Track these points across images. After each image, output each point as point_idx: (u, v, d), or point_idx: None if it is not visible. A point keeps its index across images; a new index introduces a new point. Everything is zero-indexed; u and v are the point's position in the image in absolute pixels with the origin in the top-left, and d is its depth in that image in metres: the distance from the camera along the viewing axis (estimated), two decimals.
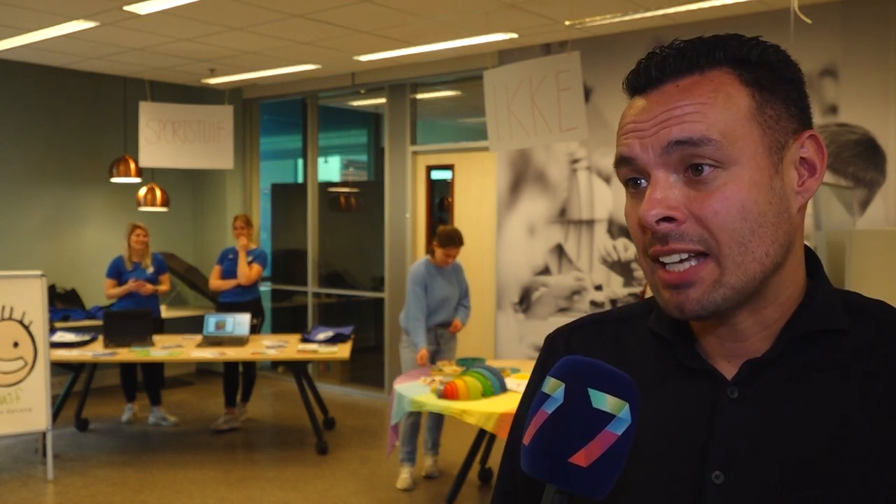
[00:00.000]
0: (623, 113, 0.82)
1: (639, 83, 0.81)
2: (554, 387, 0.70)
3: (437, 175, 7.23)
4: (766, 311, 0.80)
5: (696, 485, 0.78)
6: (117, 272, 6.26)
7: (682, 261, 0.77)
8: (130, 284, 6.15)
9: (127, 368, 6.34)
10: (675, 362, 0.85)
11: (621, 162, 0.81)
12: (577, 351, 0.91)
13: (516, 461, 0.74)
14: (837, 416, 0.76)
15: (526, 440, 0.70)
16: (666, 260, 0.77)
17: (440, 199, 7.34)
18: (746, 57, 0.78)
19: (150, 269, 6.32)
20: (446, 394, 4.04)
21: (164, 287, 6.44)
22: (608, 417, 0.67)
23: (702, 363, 0.83)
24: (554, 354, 0.92)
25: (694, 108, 0.76)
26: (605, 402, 0.68)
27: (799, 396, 0.78)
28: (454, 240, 4.91)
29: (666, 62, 0.79)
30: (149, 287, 6.22)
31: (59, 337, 5.83)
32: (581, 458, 0.66)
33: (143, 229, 6.27)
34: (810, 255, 0.85)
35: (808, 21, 4.03)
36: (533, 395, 0.73)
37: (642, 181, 0.79)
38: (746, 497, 0.76)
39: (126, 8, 5.02)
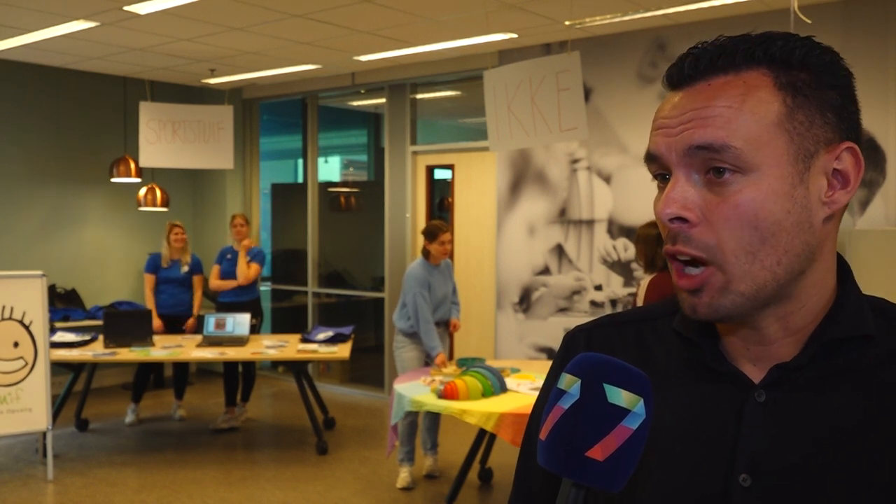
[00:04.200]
0: (659, 106, 0.82)
1: (674, 79, 0.81)
2: (570, 383, 0.71)
3: (437, 175, 7.24)
4: (792, 318, 0.80)
5: (723, 487, 0.79)
6: (155, 267, 6.43)
7: (693, 266, 0.78)
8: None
9: (143, 369, 6.37)
10: (700, 364, 0.85)
11: (649, 158, 0.81)
12: (597, 349, 0.92)
13: (533, 457, 0.74)
14: (865, 422, 0.77)
15: (542, 435, 0.71)
16: (680, 259, 0.79)
17: (440, 199, 7.34)
18: (787, 58, 0.76)
19: (185, 269, 6.45)
20: (446, 394, 4.04)
21: (197, 293, 6.61)
22: (623, 412, 0.68)
23: (728, 366, 0.83)
24: (573, 351, 0.92)
25: (719, 112, 0.75)
26: (620, 397, 0.68)
27: (826, 402, 0.78)
28: (440, 227, 4.96)
29: (702, 59, 0.78)
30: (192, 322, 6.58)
31: (59, 337, 5.83)
32: (597, 452, 0.67)
33: (180, 227, 6.41)
34: (840, 262, 0.85)
35: (808, 21, 4.03)
36: (549, 393, 0.74)
37: (669, 175, 0.80)
38: (774, 500, 0.77)
39: (126, 8, 5.02)
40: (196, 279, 6.57)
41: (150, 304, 6.39)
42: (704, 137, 0.75)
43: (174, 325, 6.43)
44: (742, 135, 0.75)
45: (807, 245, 0.77)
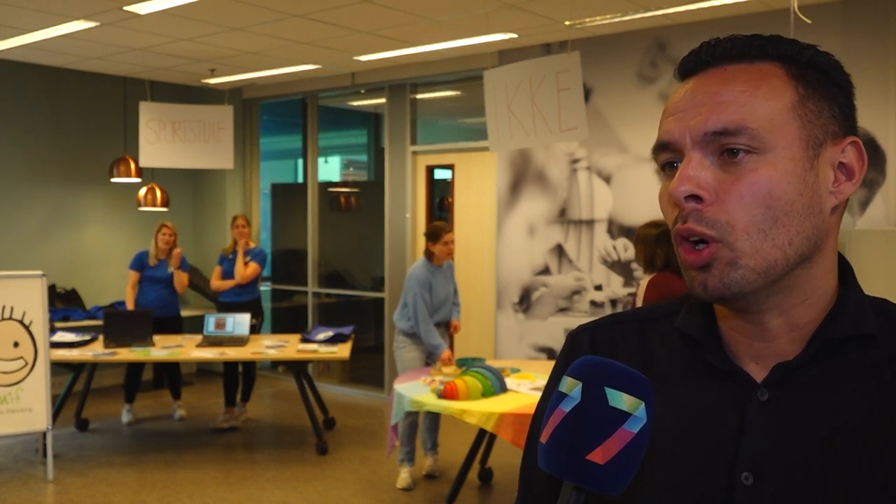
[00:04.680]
0: (670, 96, 0.83)
1: (689, 66, 0.83)
2: (571, 386, 0.71)
3: (437, 175, 7.24)
4: (795, 311, 0.80)
5: (725, 486, 0.79)
6: (140, 265, 6.35)
7: (700, 241, 0.78)
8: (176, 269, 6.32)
9: (133, 369, 6.34)
10: (703, 363, 0.85)
11: (661, 148, 0.82)
12: (601, 349, 0.92)
13: (535, 459, 0.74)
14: (867, 422, 0.77)
15: (543, 438, 0.71)
16: (689, 238, 0.79)
17: (440, 199, 7.34)
18: (797, 56, 0.79)
19: (172, 270, 6.38)
20: (446, 394, 4.04)
21: (180, 281, 6.44)
22: (625, 416, 0.68)
23: (730, 364, 0.83)
24: (577, 351, 0.92)
25: (734, 97, 0.77)
26: (621, 400, 0.69)
27: (829, 400, 0.79)
28: (442, 228, 4.94)
29: (717, 47, 0.81)
30: (182, 276, 6.38)
31: (59, 337, 5.83)
32: (598, 456, 0.67)
33: (169, 228, 6.33)
34: (842, 261, 0.85)
35: (808, 21, 4.03)
36: (552, 393, 0.74)
37: (678, 164, 0.80)
38: (776, 499, 0.77)
39: (126, 8, 5.02)
40: (183, 275, 6.43)
41: (129, 301, 6.29)
42: (719, 123, 0.77)
43: (158, 327, 6.17)
44: (758, 116, 0.76)
45: (816, 229, 0.78)
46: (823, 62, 0.80)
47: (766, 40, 0.80)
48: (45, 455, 5.15)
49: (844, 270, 0.85)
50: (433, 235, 4.92)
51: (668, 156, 0.81)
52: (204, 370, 8.34)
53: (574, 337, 0.96)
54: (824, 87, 0.79)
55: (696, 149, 0.78)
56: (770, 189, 0.75)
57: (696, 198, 0.77)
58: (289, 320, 8.35)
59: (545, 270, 6.17)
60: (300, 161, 8.77)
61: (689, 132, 0.78)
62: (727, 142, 0.76)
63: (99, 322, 6.44)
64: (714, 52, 0.80)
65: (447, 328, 5.13)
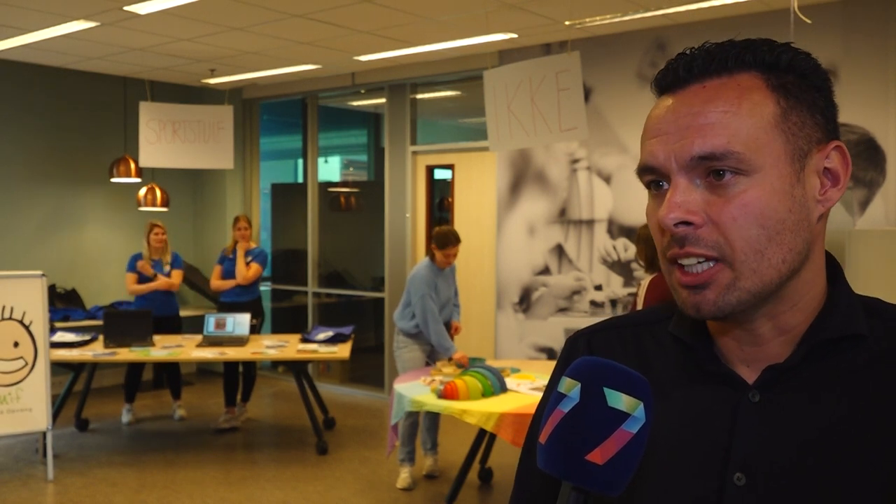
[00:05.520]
0: (650, 113, 0.82)
1: (666, 82, 0.81)
2: (570, 386, 0.71)
3: (437, 175, 7.24)
4: (784, 317, 0.80)
5: (717, 486, 0.79)
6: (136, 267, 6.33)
7: (698, 263, 0.77)
8: (161, 281, 6.27)
9: (133, 369, 6.33)
10: (695, 366, 0.85)
11: (645, 170, 0.81)
12: (597, 353, 0.92)
13: (534, 459, 0.74)
14: (858, 421, 0.77)
15: (542, 439, 0.71)
16: (683, 262, 0.78)
17: (440, 199, 7.34)
18: (776, 62, 0.78)
19: (167, 269, 6.37)
20: (446, 394, 4.05)
21: (173, 280, 6.38)
22: (623, 416, 0.68)
23: (722, 367, 0.83)
24: (574, 356, 0.92)
25: (717, 118, 0.76)
26: (620, 400, 0.68)
27: (820, 402, 0.79)
28: (451, 239, 4.91)
29: (694, 62, 0.79)
30: (171, 280, 6.34)
31: (60, 337, 5.83)
32: (597, 456, 0.67)
33: (160, 227, 6.33)
34: (831, 261, 0.85)
35: (808, 21, 4.03)
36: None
37: (664, 183, 0.80)
38: (768, 500, 0.77)
39: (126, 8, 5.02)
40: (174, 272, 6.37)
41: (140, 290, 6.24)
42: (704, 147, 0.75)
43: (157, 327, 6.13)
44: (742, 139, 0.75)
45: (806, 243, 0.78)
46: (802, 66, 0.78)
47: (743, 48, 0.78)
48: (45, 455, 5.15)
49: (834, 270, 0.85)
50: (440, 242, 4.89)
51: (652, 177, 0.81)
52: (204, 370, 8.33)
53: (572, 342, 0.97)
54: (805, 93, 0.78)
55: (682, 173, 0.77)
56: (762, 209, 0.75)
57: (686, 223, 0.77)
58: (289, 320, 8.35)
59: (545, 270, 6.17)
60: (300, 161, 8.77)
61: (675, 157, 0.77)
62: (713, 165, 0.76)
63: (99, 322, 6.44)
64: (691, 67, 0.79)
65: (447, 329, 5.13)
